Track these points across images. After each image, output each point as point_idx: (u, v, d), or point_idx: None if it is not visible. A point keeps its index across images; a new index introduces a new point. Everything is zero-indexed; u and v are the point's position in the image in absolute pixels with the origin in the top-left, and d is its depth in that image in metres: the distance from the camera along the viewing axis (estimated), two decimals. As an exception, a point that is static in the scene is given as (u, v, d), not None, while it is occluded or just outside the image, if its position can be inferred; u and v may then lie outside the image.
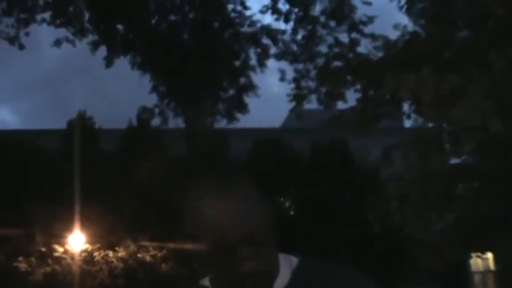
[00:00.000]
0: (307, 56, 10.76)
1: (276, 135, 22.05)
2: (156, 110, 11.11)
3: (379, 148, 11.52)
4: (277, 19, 10.62)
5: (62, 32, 10.51)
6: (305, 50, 10.77)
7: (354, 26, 10.44)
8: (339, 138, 20.08)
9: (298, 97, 10.77)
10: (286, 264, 1.41)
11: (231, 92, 11.21)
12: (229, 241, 1.27)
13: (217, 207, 1.29)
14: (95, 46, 10.56)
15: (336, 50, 10.61)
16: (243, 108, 11.18)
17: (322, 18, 10.60)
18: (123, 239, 17.13)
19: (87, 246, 16.95)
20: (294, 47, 10.85)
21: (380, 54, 10.31)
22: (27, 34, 10.58)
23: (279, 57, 10.90)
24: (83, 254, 16.93)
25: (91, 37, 10.57)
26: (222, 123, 11.43)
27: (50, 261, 16.78)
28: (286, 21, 10.61)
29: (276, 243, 1.36)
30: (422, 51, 9.40)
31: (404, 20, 10.66)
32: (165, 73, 10.74)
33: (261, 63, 10.97)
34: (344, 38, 10.57)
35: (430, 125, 10.97)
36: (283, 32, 10.85)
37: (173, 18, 10.69)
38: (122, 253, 17.17)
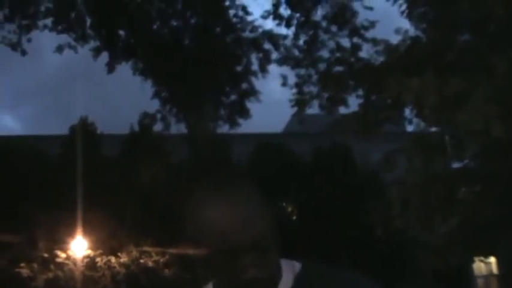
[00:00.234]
0: (309, 61, 10.75)
1: (278, 139, 22.07)
2: (158, 116, 11.13)
3: (381, 152, 11.52)
4: (278, 24, 10.63)
5: (64, 38, 10.53)
6: (307, 55, 10.77)
7: (356, 31, 10.44)
8: (341, 143, 20.09)
9: (300, 102, 10.76)
10: (289, 270, 1.42)
11: (233, 97, 11.22)
12: (232, 246, 1.27)
13: (219, 212, 1.29)
14: (96, 52, 10.57)
15: (338, 54, 10.60)
16: (244, 113, 11.18)
17: (324, 23, 10.61)
18: (125, 244, 17.12)
19: (89, 251, 16.94)
20: (296, 52, 10.86)
21: (382, 58, 10.31)
22: (29, 40, 10.60)
23: (280, 62, 10.91)
24: (85, 260, 16.91)
25: (93, 43, 10.60)
26: (224, 129, 11.44)
27: (52, 267, 16.77)
28: (288, 26, 10.62)
29: (279, 249, 1.36)
30: (423, 55, 9.40)
31: (405, 24, 10.68)
32: (166, 78, 10.76)
33: (263, 69, 10.98)
34: (346, 42, 10.58)
35: (432, 129, 10.98)
36: (285, 37, 10.86)
37: (175, 23, 10.71)
38: (124, 259, 17.16)
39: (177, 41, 10.66)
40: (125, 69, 10.77)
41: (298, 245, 12.83)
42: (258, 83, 11.18)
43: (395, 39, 10.26)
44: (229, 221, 1.28)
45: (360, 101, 10.75)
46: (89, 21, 10.50)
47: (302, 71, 10.81)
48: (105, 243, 16.97)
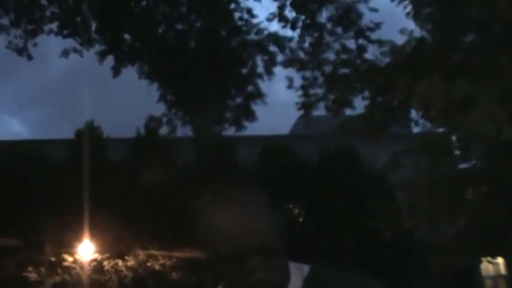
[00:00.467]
0: (315, 63, 10.75)
1: (284, 142, 22.03)
2: (164, 119, 11.15)
3: (387, 154, 11.48)
4: (284, 26, 10.65)
5: (70, 43, 10.59)
6: (312, 57, 10.76)
7: (361, 32, 10.44)
8: (347, 145, 20.04)
9: (306, 105, 10.74)
10: (298, 273, 1.41)
11: (239, 99, 11.23)
12: (239, 249, 1.27)
13: (227, 215, 1.28)
14: (102, 56, 10.61)
15: (343, 56, 10.60)
16: (250, 116, 11.20)
17: (329, 25, 10.62)
18: (132, 247, 17.11)
19: (96, 255, 16.94)
20: (301, 54, 10.87)
21: (387, 59, 10.27)
22: (35, 45, 10.66)
23: (286, 64, 10.91)
24: (93, 264, 16.91)
25: (98, 47, 10.66)
26: (230, 131, 11.45)
27: (59, 270, 16.78)
28: (293, 28, 10.63)
29: (287, 252, 1.36)
30: (429, 56, 9.35)
31: (410, 25, 10.63)
32: (171, 81, 10.77)
33: (268, 71, 10.99)
34: (351, 44, 10.59)
35: (439, 130, 10.93)
36: (290, 39, 10.88)
37: (180, 27, 10.73)
38: (131, 262, 17.15)
39: (182, 44, 10.68)
40: (130, 72, 10.81)
41: (305, 247, 12.78)
42: (263, 85, 11.21)
43: (400, 40, 10.24)
44: (237, 224, 1.27)
45: (366, 103, 10.73)
46: (94, 26, 10.55)
47: (308, 73, 10.81)
48: (112, 247, 16.97)
